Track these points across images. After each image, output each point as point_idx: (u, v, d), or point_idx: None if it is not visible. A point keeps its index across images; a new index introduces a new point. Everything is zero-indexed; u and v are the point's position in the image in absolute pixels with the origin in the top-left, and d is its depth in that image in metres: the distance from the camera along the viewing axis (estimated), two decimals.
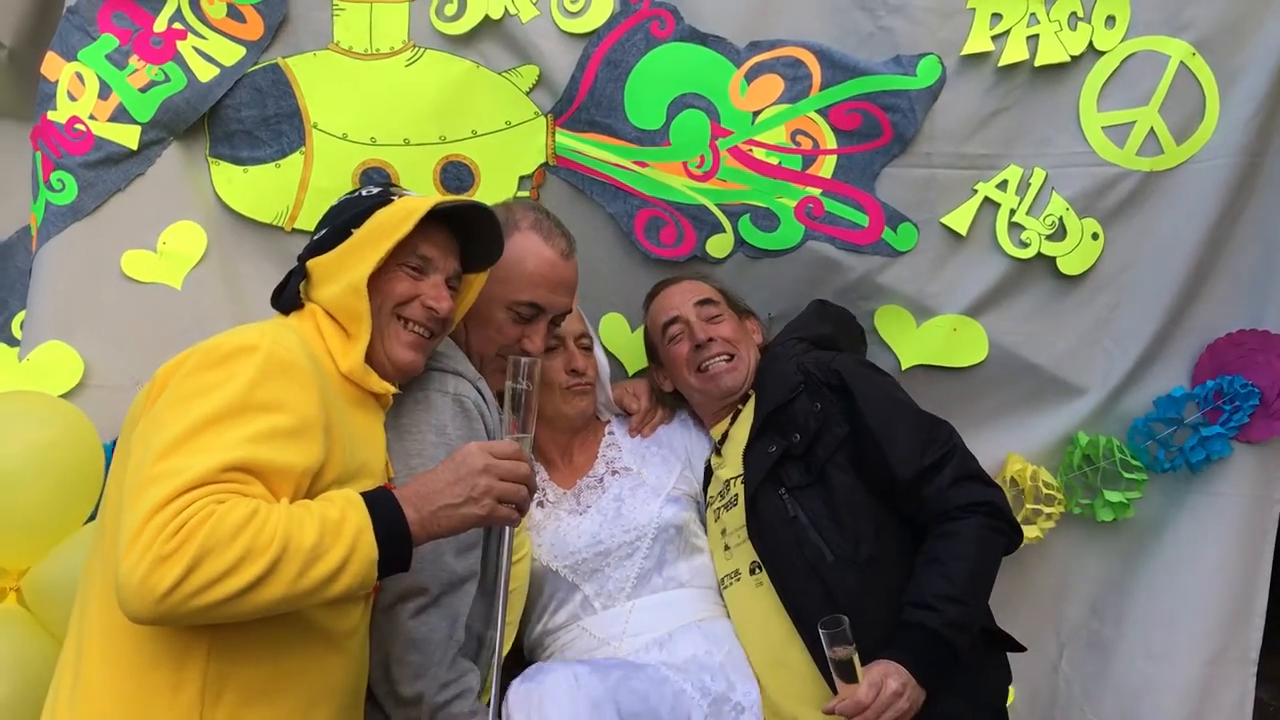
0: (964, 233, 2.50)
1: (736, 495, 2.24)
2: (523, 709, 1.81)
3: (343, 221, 1.79)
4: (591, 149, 2.52)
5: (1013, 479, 2.54)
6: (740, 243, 2.53)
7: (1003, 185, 2.50)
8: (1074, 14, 2.48)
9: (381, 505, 1.49)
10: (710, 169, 2.48)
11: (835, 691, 1.91)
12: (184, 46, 2.56)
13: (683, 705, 1.95)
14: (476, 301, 2.01)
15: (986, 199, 2.50)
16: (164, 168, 2.57)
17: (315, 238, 1.83)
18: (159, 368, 1.59)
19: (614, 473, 2.33)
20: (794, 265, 2.54)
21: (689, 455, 2.43)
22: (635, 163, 2.50)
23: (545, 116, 2.54)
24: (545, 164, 2.56)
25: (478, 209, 1.87)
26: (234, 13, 2.55)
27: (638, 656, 2.09)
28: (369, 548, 1.44)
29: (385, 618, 1.77)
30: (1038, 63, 2.47)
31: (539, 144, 2.55)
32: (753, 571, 2.17)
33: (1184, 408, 2.48)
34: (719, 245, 2.54)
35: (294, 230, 2.58)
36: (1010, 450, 2.60)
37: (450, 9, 2.53)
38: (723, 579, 2.27)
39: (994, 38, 2.47)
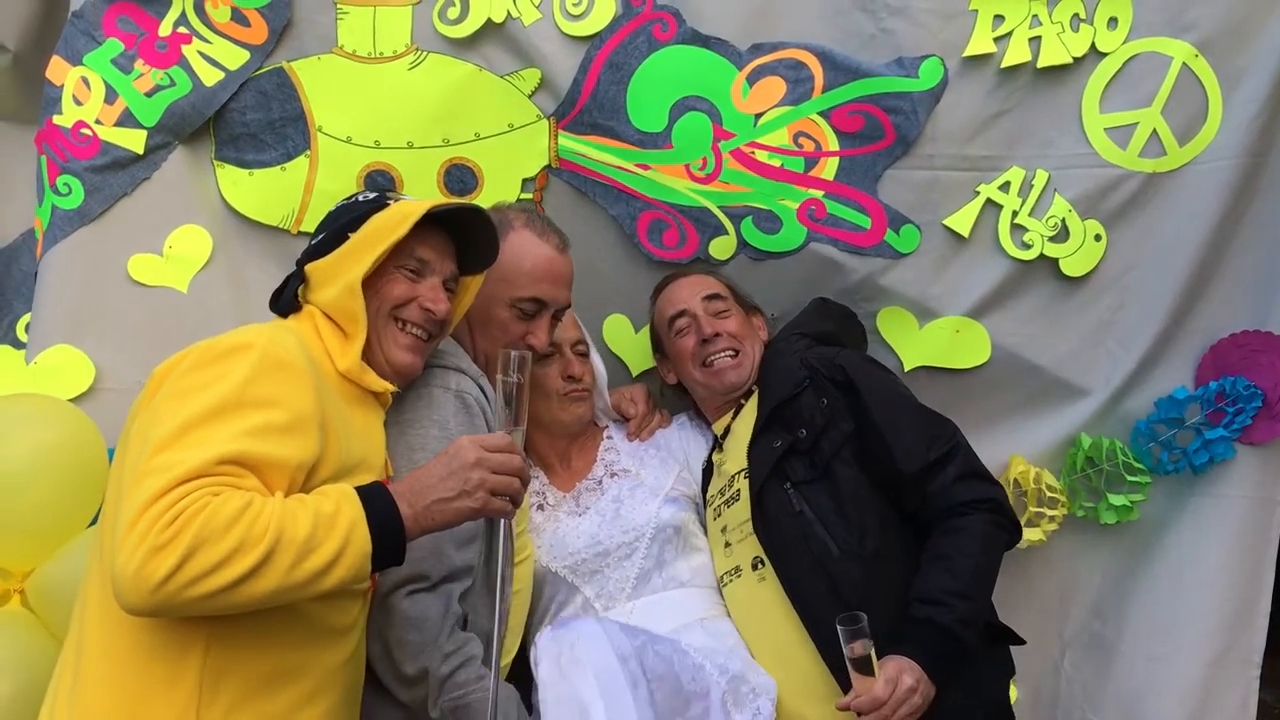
0: (966, 234, 2.51)
1: (740, 490, 2.25)
2: (552, 652, 1.83)
3: (339, 226, 1.82)
4: (594, 151, 2.54)
5: (1016, 481, 2.55)
6: (743, 244, 2.54)
7: (1005, 187, 2.50)
8: (1076, 15, 2.48)
9: (376, 499, 1.50)
10: (712, 171, 2.49)
11: (841, 684, 1.93)
12: (189, 51, 2.58)
13: (702, 679, 1.96)
14: (479, 303, 2.05)
15: (989, 201, 2.51)
16: (170, 172, 2.59)
17: (313, 242, 1.87)
18: (157, 366, 1.61)
19: (612, 475, 2.35)
20: (796, 267, 2.55)
21: (687, 457, 2.46)
22: (637, 165, 2.51)
23: (548, 119, 2.56)
24: (548, 166, 2.57)
25: (473, 212, 1.90)
26: (238, 16, 2.57)
27: None
28: (363, 541, 1.46)
29: (381, 605, 1.79)
30: (1040, 64, 2.48)
31: (541, 146, 2.57)
32: (754, 567, 2.19)
33: (1186, 409, 2.48)
34: (721, 247, 2.55)
35: (300, 232, 2.60)
36: (1013, 452, 2.60)
37: (453, 12, 2.55)
38: (722, 576, 2.28)
39: (996, 39, 2.48)
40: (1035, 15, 2.48)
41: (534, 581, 2.23)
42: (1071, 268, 2.50)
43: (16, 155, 2.85)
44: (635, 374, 2.69)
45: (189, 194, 2.60)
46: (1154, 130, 2.47)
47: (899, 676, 1.85)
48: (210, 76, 2.58)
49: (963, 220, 2.51)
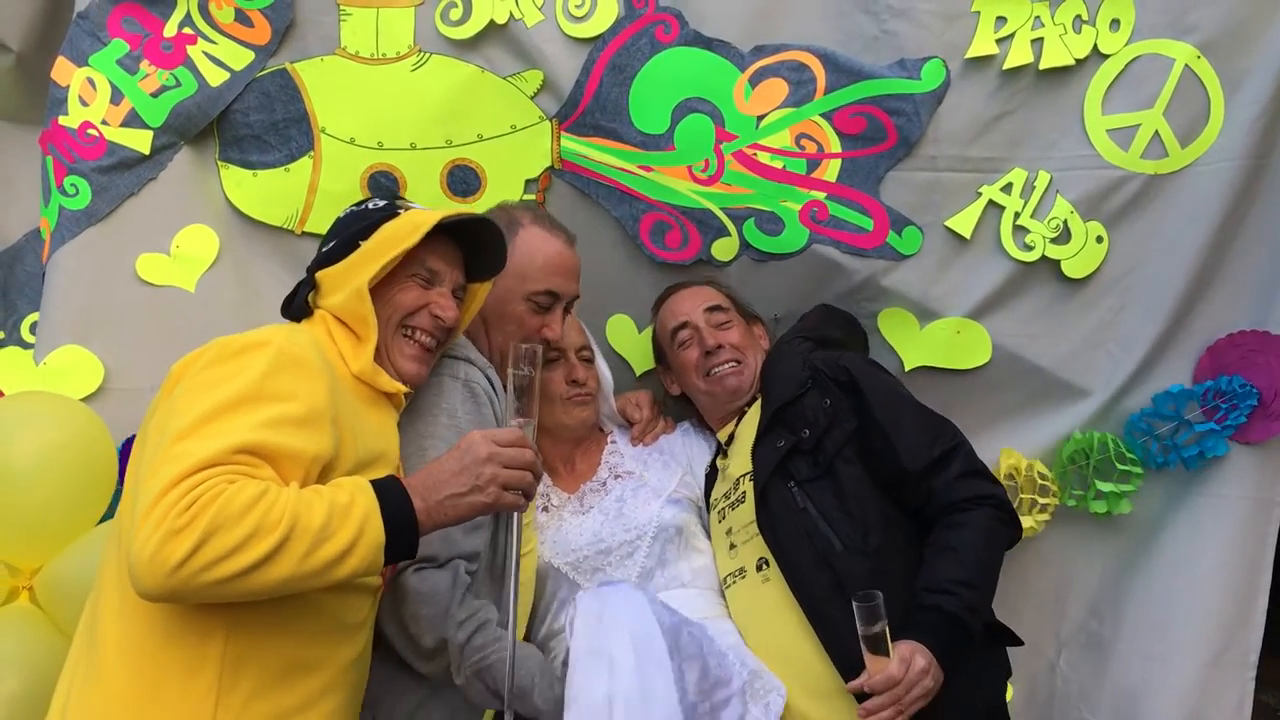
0: (968, 236, 2.52)
1: (745, 493, 2.28)
2: (593, 609, 1.86)
3: (351, 234, 1.85)
4: (596, 153, 2.55)
5: (1009, 473, 2.56)
6: (745, 246, 2.56)
7: (1007, 188, 2.51)
8: (1078, 17, 2.49)
9: (390, 492, 1.53)
10: (715, 173, 2.51)
11: (845, 678, 1.95)
12: (194, 51, 2.60)
13: (726, 666, 1.97)
14: (494, 301, 2.10)
15: (991, 202, 2.52)
16: (176, 172, 2.62)
17: (324, 250, 1.89)
18: (175, 363, 1.65)
19: (616, 477, 2.38)
20: (799, 268, 2.56)
21: (690, 462, 2.48)
22: (640, 167, 2.53)
23: (550, 121, 2.58)
24: (550, 167, 2.59)
25: (482, 223, 1.93)
26: (242, 17, 2.59)
27: None
28: (376, 532, 1.48)
29: (390, 587, 1.82)
30: (1042, 66, 2.49)
31: (544, 148, 2.59)
32: (759, 568, 2.21)
33: (1183, 405, 2.49)
34: (724, 248, 2.57)
35: (304, 233, 2.63)
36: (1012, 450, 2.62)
37: (455, 14, 2.57)
38: (725, 578, 2.30)
39: (998, 41, 2.49)
40: (1037, 17, 2.49)
41: (536, 578, 2.25)
42: (1073, 269, 2.51)
43: (20, 156, 2.90)
44: (639, 373, 2.71)
45: (195, 194, 2.63)
46: (1156, 132, 2.47)
47: (912, 657, 1.87)
48: (216, 77, 2.60)
49: (964, 222, 2.52)
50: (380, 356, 1.82)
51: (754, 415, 2.36)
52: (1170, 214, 2.48)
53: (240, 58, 2.61)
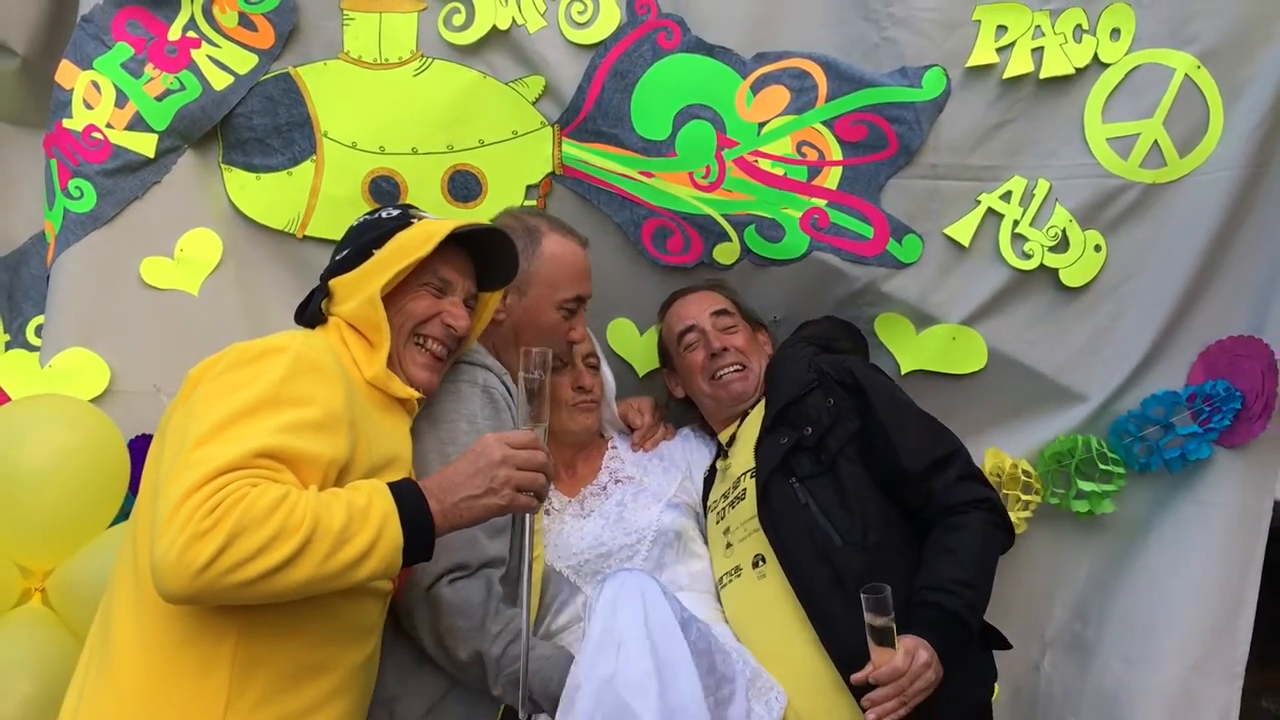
0: (967, 243, 2.54)
1: (746, 489, 2.32)
2: (609, 595, 1.85)
3: (364, 243, 1.88)
4: (597, 159, 2.57)
5: (994, 471, 2.59)
6: (746, 251, 2.59)
7: (1006, 196, 2.54)
8: (1079, 26, 2.51)
9: (407, 495, 1.56)
10: (716, 179, 2.53)
11: (843, 673, 2.00)
12: (198, 55, 2.62)
13: (730, 664, 1.99)
14: (528, 312, 2.19)
15: (990, 210, 2.54)
16: (180, 175, 2.64)
17: (337, 258, 1.92)
18: (192, 368, 1.68)
19: (617, 481, 2.43)
20: (799, 272, 2.59)
21: (689, 466, 2.52)
22: (641, 173, 2.55)
23: (552, 127, 2.60)
24: (552, 173, 2.62)
25: (495, 233, 1.96)
26: (245, 21, 2.61)
27: None
28: (395, 534, 1.52)
29: (426, 598, 1.86)
30: (1043, 75, 2.51)
31: (546, 154, 2.61)
32: (755, 565, 2.25)
33: (1169, 408, 2.50)
34: (725, 253, 2.59)
35: (305, 237, 2.65)
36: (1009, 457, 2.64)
37: (458, 19, 2.59)
38: (721, 578, 2.34)
39: (999, 50, 2.51)
40: (1038, 26, 2.51)
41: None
42: (1071, 278, 2.53)
43: (24, 159, 2.90)
44: (641, 374, 2.74)
45: (199, 197, 2.65)
46: (1155, 141, 2.49)
47: (915, 650, 1.91)
48: (220, 81, 2.62)
49: (963, 229, 2.54)
50: (393, 364, 1.85)
51: (757, 416, 2.41)
52: (1168, 223, 2.51)
53: (244, 61, 2.63)
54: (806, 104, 2.52)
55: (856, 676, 1.92)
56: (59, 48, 2.68)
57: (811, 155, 2.52)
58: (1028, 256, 2.53)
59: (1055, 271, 2.53)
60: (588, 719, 1.66)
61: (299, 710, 1.58)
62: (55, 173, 2.58)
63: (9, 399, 2.46)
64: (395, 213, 1.95)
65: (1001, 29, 2.51)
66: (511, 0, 2.57)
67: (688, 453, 2.56)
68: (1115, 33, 2.50)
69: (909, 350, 2.61)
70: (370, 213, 2.01)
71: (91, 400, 2.45)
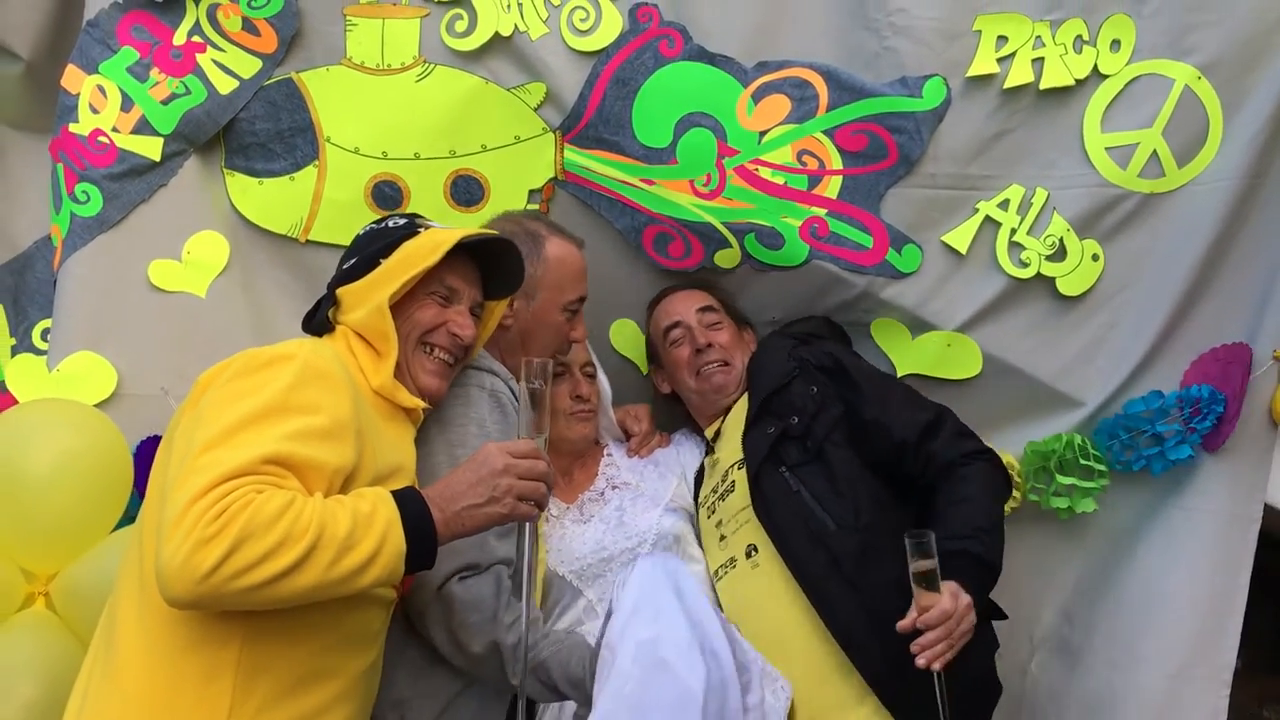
0: (964, 251, 2.56)
1: (735, 481, 2.38)
2: (646, 566, 1.92)
3: (372, 252, 1.90)
4: (599, 165, 2.60)
5: None
6: (747, 257, 2.61)
7: (1004, 205, 2.56)
8: (1079, 37, 2.53)
9: (410, 503, 1.59)
10: (716, 187, 2.55)
11: (855, 659, 2.05)
12: (203, 59, 2.64)
13: (744, 652, 2.01)
14: (536, 315, 2.24)
15: (988, 218, 2.56)
16: (185, 179, 2.66)
17: (344, 266, 1.94)
18: (201, 374, 1.70)
19: (614, 487, 2.48)
20: (799, 278, 2.62)
21: (684, 470, 2.58)
22: (642, 180, 2.58)
23: (554, 133, 2.62)
24: (554, 179, 2.64)
25: (501, 242, 1.99)
26: (249, 26, 2.63)
27: None
28: (398, 541, 1.54)
29: (437, 597, 1.88)
30: (1043, 85, 2.53)
31: (548, 159, 2.64)
32: (748, 555, 2.31)
33: (1155, 410, 2.51)
34: (726, 258, 2.63)
35: (308, 241, 2.68)
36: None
37: (461, 25, 2.61)
38: (716, 571, 2.39)
39: (999, 60, 2.53)
40: (1038, 36, 2.53)
41: (541, 585, 2.33)
42: (1068, 287, 2.55)
43: (30, 164, 2.93)
44: (645, 371, 2.79)
45: (204, 201, 2.68)
46: (1154, 151, 2.51)
47: (958, 593, 1.93)
48: (225, 85, 2.65)
49: (961, 237, 2.57)
50: (400, 372, 1.87)
51: (740, 409, 2.47)
52: (1165, 232, 2.53)
53: (248, 66, 2.65)
54: (807, 113, 2.55)
55: (903, 624, 1.92)
56: (64, 52, 2.70)
57: (812, 164, 2.55)
58: (1025, 265, 2.55)
59: (1052, 280, 2.55)
60: (626, 677, 1.71)
61: (301, 716, 1.60)
62: (61, 177, 2.61)
63: (16, 402, 2.49)
64: (402, 222, 1.97)
65: (1002, 39, 2.53)
66: (514, 7, 2.59)
67: (681, 457, 2.61)
68: (1115, 44, 2.52)
69: (905, 355, 2.64)
70: (377, 222, 2.03)
71: (98, 404, 2.47)
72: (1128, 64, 2.52)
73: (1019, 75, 2.53)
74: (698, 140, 2.55)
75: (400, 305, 1.85)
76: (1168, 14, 2.51)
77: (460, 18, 2.61)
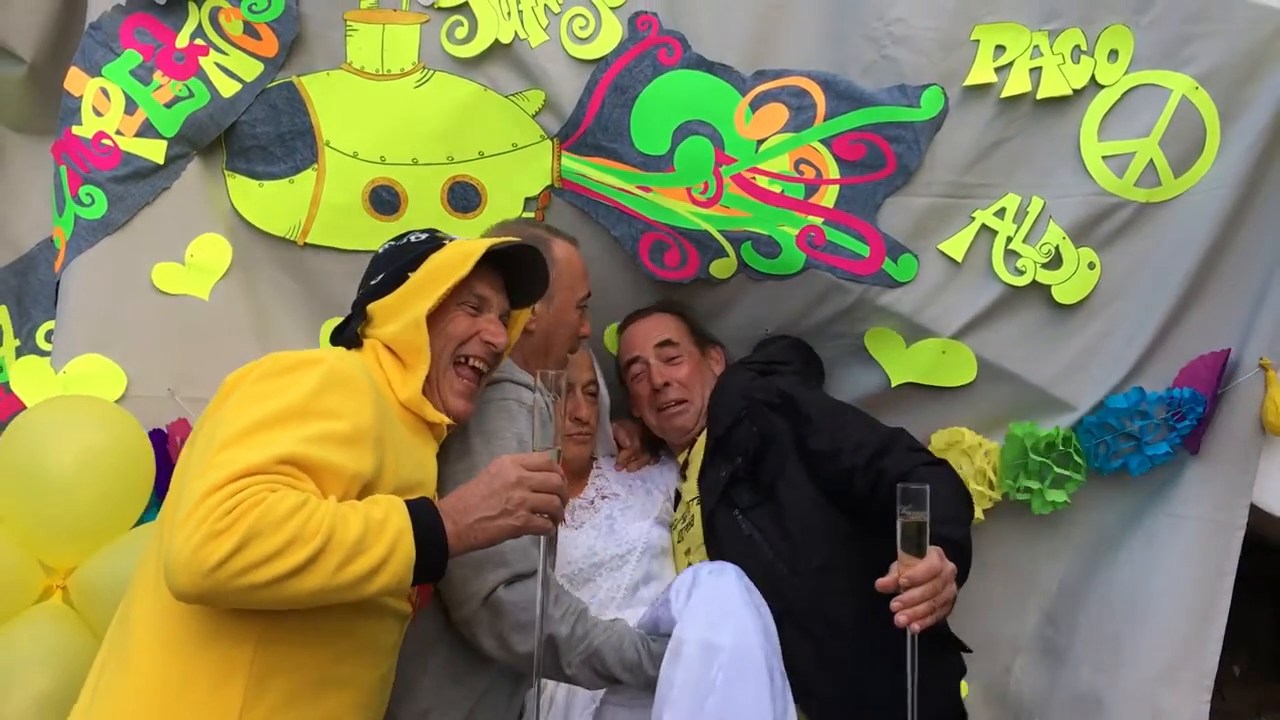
0: (960, 259, 2.59)
1: (694, 516, 2.44)
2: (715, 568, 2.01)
3: (400, 266, 1.92)
4: (596, 173, 2.63)
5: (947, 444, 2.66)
6: (743, 265, 2.65)
7: (1000, 213, 2.58)
8: (1077, 47, 2.56)
9: (423, 513, 1.59)
10: (713, 195, 2.58)
11: (795, 697, 2.03)
12: (206, 62, 2.67)
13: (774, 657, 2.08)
14: (555, 315, 2.30)
15: (984, 226, 2.59)
16: (188, 181, 2.70)
17: (372, 283, 1.95)
18: (228, 375, 1.71)
19: (603, 497, 2.55)
20: (795, 286, 2.65)
21: (669, 489, 2.64)
22: (639, 187, 2.61)
23: (551, 140, 2.66)
24: (551, 186, 2.68)
25: (528, 250, 1.99)
26: (250, 29, 2.67)
27: None
28: (408, 550, 1.54)
29: (485, 605, 1.91)
30: (1040, 95, 2.55)
31: (544, 166, 2.68)
32: None
33: (1136, 410, 2.54)
34: (722, 268, 2.66)
35: (306, 245, 2.72)
36: None
37: (461, 32, 2.64)
38: None
39: (997, 69, 2.56)
40: (1036, 46, 2.55)
41: None
42: (1064, 295, 2.57)
43: (32, 165, 2.96)
44: None
45: (206, 203, 2.72)
46: (1150, 160, 2.54)
47: (944, 558, 1.84)
48: (228, 88, 2.68)
49: (957, 245, 2.59)
50: (430, 389, 1.88)
51: (703, 441, 2.51)
52: (1159, 241, 2.55)
53: (250, 69, 2.69)
54: (805, 122, 2.57)
55: (884, 582, 1.81)
56: (66, 55, 2.74)
57: (809, 173, 2.58)
58: (1021, 273, 2.58)
59: (1048, 288, 2.58)
60: (709, 687, 1.85)
61: None
62: (65, 179, 2.64)
63: (23, 405, 2.54)
64: (424, 236, 1.99)
65: (1000, 49, 2.56)
66: (514, 14, 2.62)
67: (666, 478, 2.66)
68: (1113, 54, 2.55)
69: (899, 363, 2.67)
70: (396, 239, 2.04)
71: None
72: (1125, 74, 2.54)
73: (1017, 84, 2.55)
74: (695, 148, 2.58)
75: (432, 319, 1.86)
76: (1165, 25, 2.53)
77: (460, 24, 2.64)
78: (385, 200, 2.69)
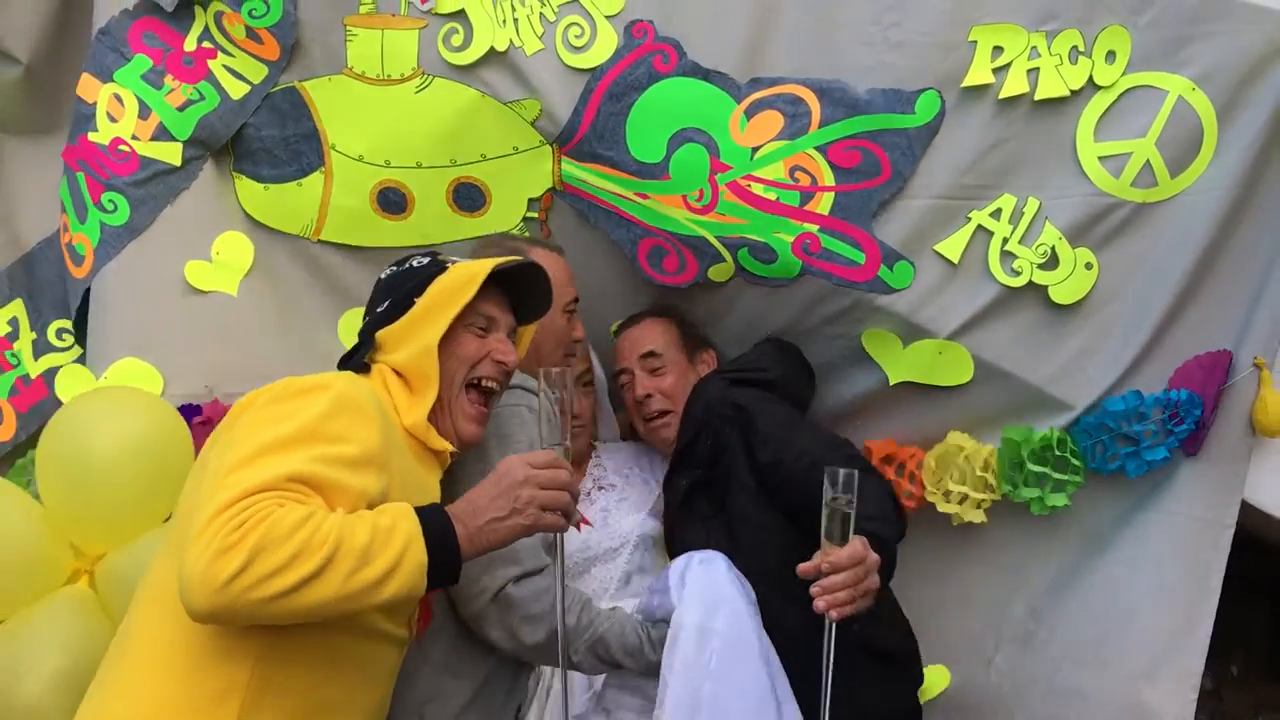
0: (956, 260, 2.61)
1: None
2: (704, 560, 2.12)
3: (405, 291, 1.95)
4: (595, 178, 2.68)
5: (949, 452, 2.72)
6: (740, 270, 2.70)
7: (996, 214, 2.60)
8: (1075, 48, 2.55)
9: (432, 518, 1.61)
10: (709, 203, 2.61)
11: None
12: (215, 65, 2.73)
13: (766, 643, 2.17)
14: (541, 325, 2.32)
15: (980, 227, 2.61)
16: (205, 181, 2.78)
17: (379, 310, 1.98)
18: (239, 399, 1.76)
19: (600, 488, 2.67)
20: (792, 288, 2.69)
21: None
22: (637, 194, 2.66)
23: (551, 145, 2.70)
24: (552, 188, 2.74)
25: (531, 267, 2.05)
26: (251, 34, 2.71)
27: None
28: (419, 555, 1.56)
29: (495, 601, 2.00)
30: (1038, 96, 2.55)
31: (545, 170, 2.73)
32: None
33: (1133, 412, 2.58)
34: (719, 273, 2.72)
35: (321, 241, 2.81)
36: None
37: (456, 39, 2.67)
38: None
39: (995, 70, 2.56)
40: (1034, 47, 2.55)
41: None
42: (1061, 295, 2.59)
43: (32, 167, 2.98)
44: None
45: (224, 202, 2.80)
46: (1147, 161, 2.54)
47: (869, 547, 1.83)
48: (237, 90, 2.74)
49: (953, 246, 2.61)
50: (440, 413, 1.91)
51: None
52: (1156, 241, 2.57)
53: (256, 71, 2.73)
54: (800, 129, 2.59)
55: (805, 567, 1.79)
56: (63, 56, 2.79)
57: (804, 180, 2.59)
58: (1017, 274, 2.59)
59: (1044, 289, 2.59)
60: (705, 673, 1.96)
61: None
62: (85, 186, 2.70)
63: (46, 395, 2.68)
64: (425, 260, 2.02)
65: (998, 50, 2.55)
66: (509, 22, 2.64)
67: (663, 467, 2.73)
68: (1111, 55, 2.53)
69: (896, 363, 2.71)
70: (398, 264, 2.07)
71: None
72: (1123, 75, 2.53)
73: (1014, 86, 2.55)
74: (690, 156, 2.60)
75: (441, 343, 1.88)
76: (1163, 26, 2.51)
77: (456, 31, 2.66)
78: (393, 201, 2.76)
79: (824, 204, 2.59)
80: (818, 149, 2.59)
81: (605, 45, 2.62)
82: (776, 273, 2.65)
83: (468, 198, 2.76)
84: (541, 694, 2.40)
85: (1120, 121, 2.55)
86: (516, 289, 2.05)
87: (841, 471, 1.76)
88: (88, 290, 2.70)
